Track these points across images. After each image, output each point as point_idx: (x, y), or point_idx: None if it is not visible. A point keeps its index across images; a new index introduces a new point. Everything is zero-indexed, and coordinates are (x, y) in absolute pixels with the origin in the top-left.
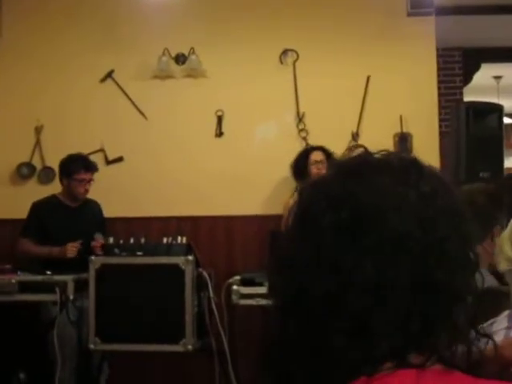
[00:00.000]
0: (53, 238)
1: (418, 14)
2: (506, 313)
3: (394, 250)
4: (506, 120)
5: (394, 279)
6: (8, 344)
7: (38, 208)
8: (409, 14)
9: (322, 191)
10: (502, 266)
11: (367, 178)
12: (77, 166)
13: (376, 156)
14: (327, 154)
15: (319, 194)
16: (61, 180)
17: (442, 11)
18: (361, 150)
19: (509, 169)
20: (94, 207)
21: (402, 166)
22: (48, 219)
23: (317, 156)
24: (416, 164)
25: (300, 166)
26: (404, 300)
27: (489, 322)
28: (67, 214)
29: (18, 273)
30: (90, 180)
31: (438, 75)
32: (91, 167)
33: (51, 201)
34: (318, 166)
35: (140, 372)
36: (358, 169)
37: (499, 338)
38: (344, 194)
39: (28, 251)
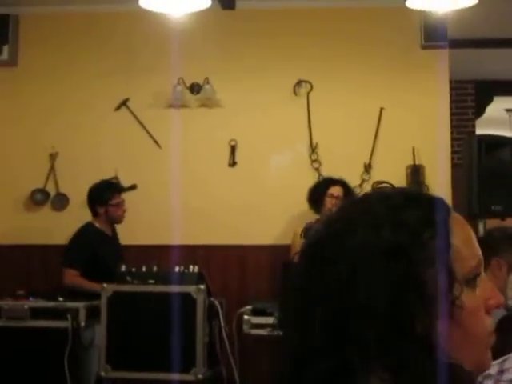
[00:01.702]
0: (106, 267)
1: (432, 47)
2: None
3: (349, 280)
4: None
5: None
6: (19, 370)
7: (84, 238)
8: (423, 47)
9: (320, 230)
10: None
11: (353, 220)
12: (110, 192)
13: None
14: (347, 188)
15: (318, 232)
16: (94, 209)
17: (456, 44)
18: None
19: None
20: (117, 237)
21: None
22: (97, 248)
23: (335, 190)
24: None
25: (316, 195)
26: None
27: (500, 359)
28: (108, 242)
29: (30, 299)
30: (124, 201)
31: (451, 107)
32: (122, 188)
33: (92, 229)
34: (332, 201)
35: None
36: (349, 210)
37: (510, 375)
38: (328, 235)
39: (80, 286)
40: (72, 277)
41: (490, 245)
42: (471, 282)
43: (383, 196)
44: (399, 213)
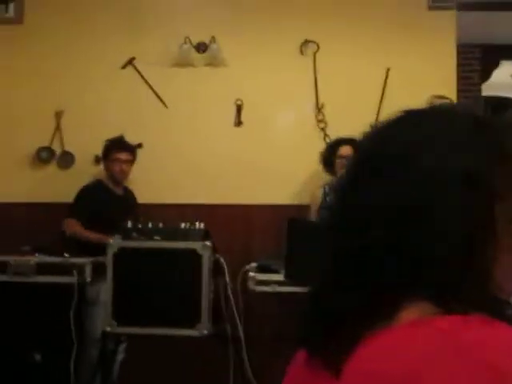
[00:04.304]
0: (110, 225)
1: (440, 8)
2: None
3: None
4: None
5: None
6: (25, 325)
7: (88, 192)
8: (430, 8)
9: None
10: None
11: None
12: (111, 146)
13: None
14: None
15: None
16: (104, 165)
17: (463, 6)
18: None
19: None
20: (132, 197)
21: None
22: (100, 205)
23: (344, 151)
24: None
25: (327, 157)
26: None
27: None
28: (114, 200)
29: (36, 254)
30: (127, 160)
31: (457, 71)
32: (124, 147)
33: (99, 186)
34: (343, 162)
35: (155, 356)
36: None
37: None
38: (398, 152)
39: (79, 233)
40: (72, 226)
41: None
42: None
43: (465, 114)
44: (477, 137)
